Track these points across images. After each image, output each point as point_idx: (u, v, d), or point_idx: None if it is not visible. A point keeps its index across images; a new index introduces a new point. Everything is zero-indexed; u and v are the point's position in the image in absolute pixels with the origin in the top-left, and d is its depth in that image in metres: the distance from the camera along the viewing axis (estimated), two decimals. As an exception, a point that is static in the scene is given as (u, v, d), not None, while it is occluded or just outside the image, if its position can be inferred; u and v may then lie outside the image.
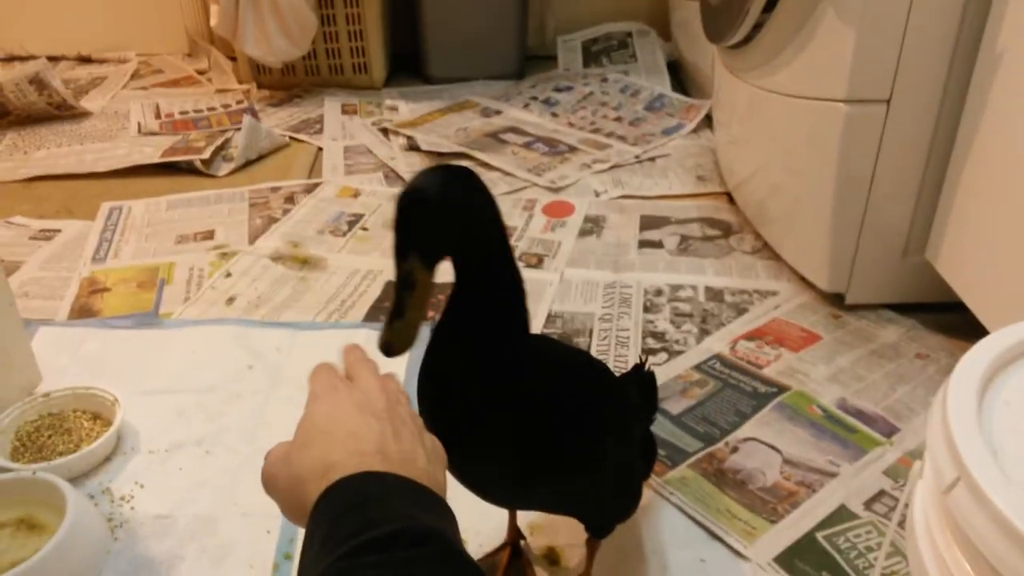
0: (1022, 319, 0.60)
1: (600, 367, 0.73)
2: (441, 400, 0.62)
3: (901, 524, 0.79)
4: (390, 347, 0.56)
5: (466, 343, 0.59)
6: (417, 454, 0.50)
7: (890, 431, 0.97)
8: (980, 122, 0.98)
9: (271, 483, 0.51)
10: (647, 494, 0.88)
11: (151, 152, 1.71)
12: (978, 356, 0.56)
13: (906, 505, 0.58)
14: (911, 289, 1.17)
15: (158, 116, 1.92)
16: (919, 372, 1.07)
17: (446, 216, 0.54)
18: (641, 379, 0.83)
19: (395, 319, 0.55)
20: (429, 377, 0.62)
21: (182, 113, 1.93)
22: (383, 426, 0.50)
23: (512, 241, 1.39)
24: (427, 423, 0.60)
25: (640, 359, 0.86)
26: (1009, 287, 0.94)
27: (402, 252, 0.54)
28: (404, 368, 1.09)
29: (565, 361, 0.70)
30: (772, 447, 0.95)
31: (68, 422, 0.98)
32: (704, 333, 1.16)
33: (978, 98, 0.98)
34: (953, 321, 1.13)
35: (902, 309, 1.19)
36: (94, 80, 2.17)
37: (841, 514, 0.86)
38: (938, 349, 1.11)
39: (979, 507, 0.46)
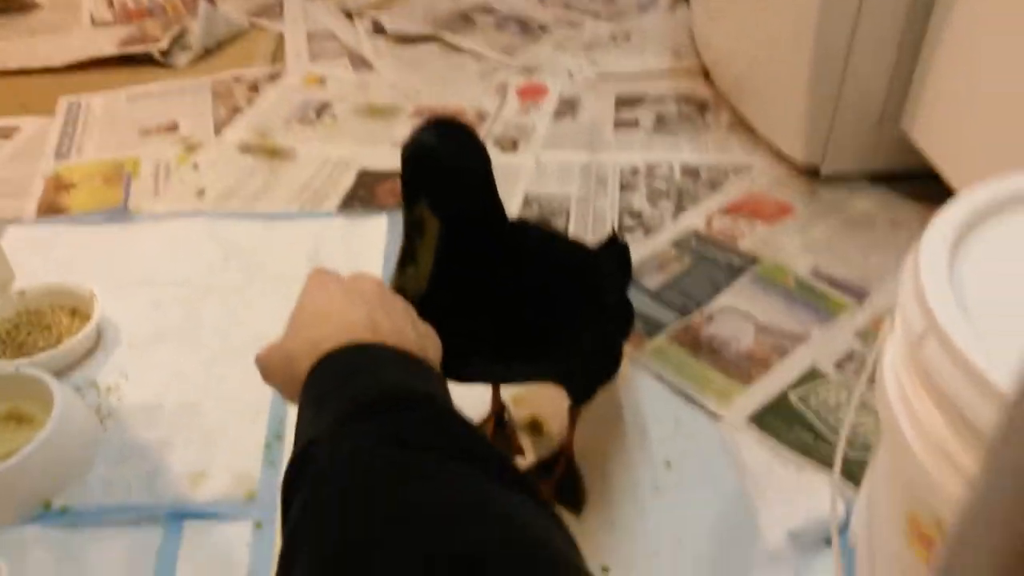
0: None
1: (574, 246, 0.74)
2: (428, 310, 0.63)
3: (871, 380, 0.82)
4: (403, 293, 0.56)
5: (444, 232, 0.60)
6: (406, 328, 0.51)
7: (862, 296, 1.00)
8: (959, -19, 0.96)
9: (267, 368, 0.52)
10: (626, 365, 0.90)
11: (106, 43, 1.63)
12: (950, 214, 0.57)
13: (875, 362, 0.60)
14: (886, 159, 1.18)
15: (111, 5, 1.83)
16: (892, 240, 1.09)
17: (449, 165, 0.56)
18: (615, 249, 0.83)
19: (407, 264, 0.57)
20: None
21: (136, 2, 1.84)
22: (372, 307, 0.51)
23: (487, 125, 1.37)
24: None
25: (612, 230, 0.86)
26: (982, 154, 0.94)
27: (411, 198, 0.56)
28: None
29: (539, 244, 0.70)
30: (746, 315, 0.97)
31: (47, 318, 0.98)
32: (680, 210, 1.16)
33: (958, -44, 0.96)
34: (927, 190, 1.14)
35: (876, 179, 1.19)
36: (38, -31, 2.05)
37: (812, 375, 0.89)
38: (912, 217, 1.12)
39: (948, 357, 0.47)
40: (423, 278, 0.57)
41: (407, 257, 0.57)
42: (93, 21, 1.77)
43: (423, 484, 0.35)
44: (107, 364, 0.94)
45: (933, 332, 0.49)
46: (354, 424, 0.40)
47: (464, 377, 0.67)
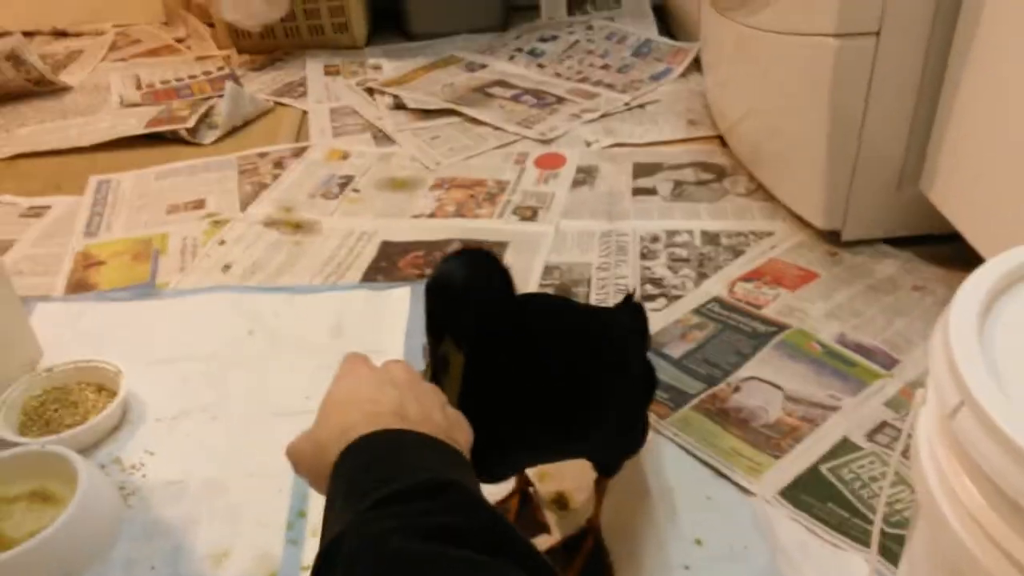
0: (1018, 246, 0.60)
1: (590, 312, 0.74)
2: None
3: (904, 453, 0.80)
4: None
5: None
6: (435, 414, 0.51)
7: (890, 363, 0.98)
8: (970, 50, 0.97)
9: (297, 458, 0.51)
10: (652, 437, 0.89)
11: (135, 123, 1.68)
12: (978, 281, 0.56)
13: (909, 435, 0.59)
14: (907, 222, 1.18)
15: (139, 87, 1.90)
16: (917, 304, 1.08)
17: (472, 303, 0.57)
18: (630, 309, 0.83)
19: None
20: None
21: (163, 83, 1.90)
22: (402, 392, 0.51)
23: (506, 195, 1.39)
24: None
25: (627, 292, 0.87)
26: (1003, 215, 0.94)
27: (435, 335, 0.57)
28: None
29: (555, 320, 0.70)
30: (773, 384, 0.96)
31: (73, 395, 0.98)
32: (702, 277, 1.16)
33: (967, 26, 0.97)
34: (949, 253, 1.14)
35: (898, 243, 1.19)
36: (71, 54, 2.13)
37: (844, 446, 0.87)
38: (935, 281, 1.12)
39: (983, 430, 0.46)
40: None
41: None
42: (122, 102, 1.82)
43: None
44: (132, 440, 0.94)
45: (967, 404, 0.48)
46: (380, 515, 0.40)
47: (499, 474, 0.66)
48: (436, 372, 0.57)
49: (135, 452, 0.92)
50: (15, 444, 0.89)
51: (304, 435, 0.51)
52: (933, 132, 1.08)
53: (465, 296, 0.57)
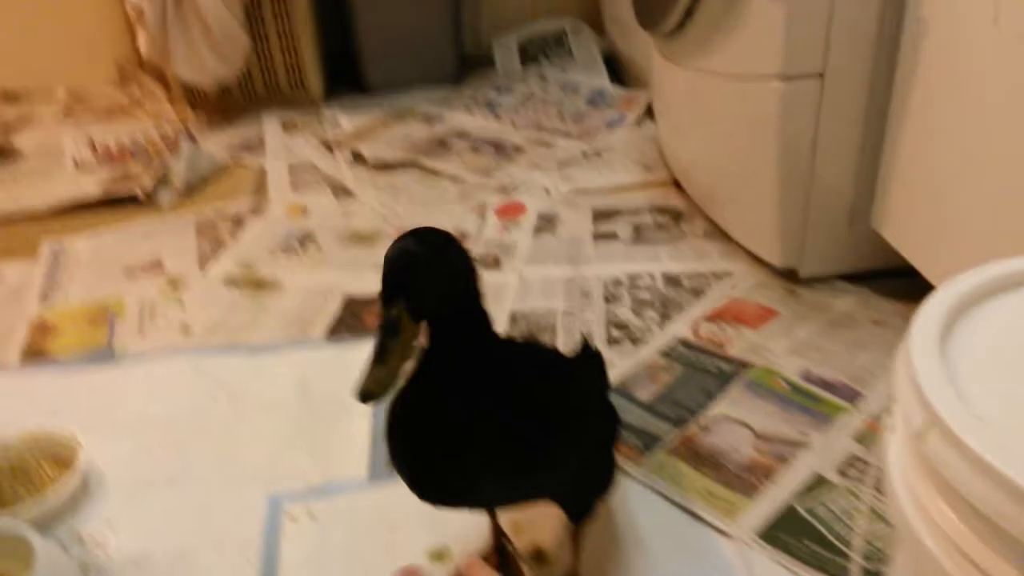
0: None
1: (548, 351, 0.74)
2: (415, 427, 0.63)
3: (877, 487, 0.81)
4: (368, 395, 0.56)
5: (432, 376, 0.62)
6: None
7: (854, 397, 0.99)
8: (912, 87, 1.01)
9: None
10: (624, 482, 0.89)
11: (89, 186, 1.66)
12: (935, 305, 0.57)
13: (880, 467, 0.59)
14: (861, 258, 1.20)
15: (94, 149, 1.88)
16: (877, 338, 1.10)
17: (430, 270, 0.57)
18: (588, 355, 0.84)
19: (376, 366, 0.56)
20: (402, 410, 0.63)
21: (118, 144, 1.89)
22: None
23: (468, 245, 1.39)
24: (403, 459, 0.61)
25: (583, 337, 0.87)
26: (955, 247, 0.97)
27: (389, 299, 0.57)
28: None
29: (515, 353, 0.71)
30: (743, 423, 0.97)
31: (29, 468, 0.95)
32: (666, 319, 1.17)
33: (908, 64, 1.01)
34: (905, 286, 1.16)
35: (855, 279, 1.21)
36: (22, 117, 2.11)
37: (817, 483, 0.88)
38: (893, 315, 1.14)
39: (954, 449, 0.47)
40: (391, 382, 0.57)
41: (378, 358, 0.57)
42: (76, 165, 1.80)
43: None
44: (93, 514, 0.91)
45: (934, 425, 0.48)
46: None
47: (462, 499, 0.66)
48: (384, 338, 0.57)
49: (97, 526, 0.89)
50: (-33, 524, 0.85)
51: None
52: (881, 168, 1.11)
53: (420, 265, 0.57)
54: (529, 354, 0.73)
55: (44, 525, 0.88)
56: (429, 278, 0.57)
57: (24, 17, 2.17)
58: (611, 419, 0.80)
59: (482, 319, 0.62)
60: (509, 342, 0.76)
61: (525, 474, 0.65)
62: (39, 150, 1.90)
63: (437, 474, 0.63)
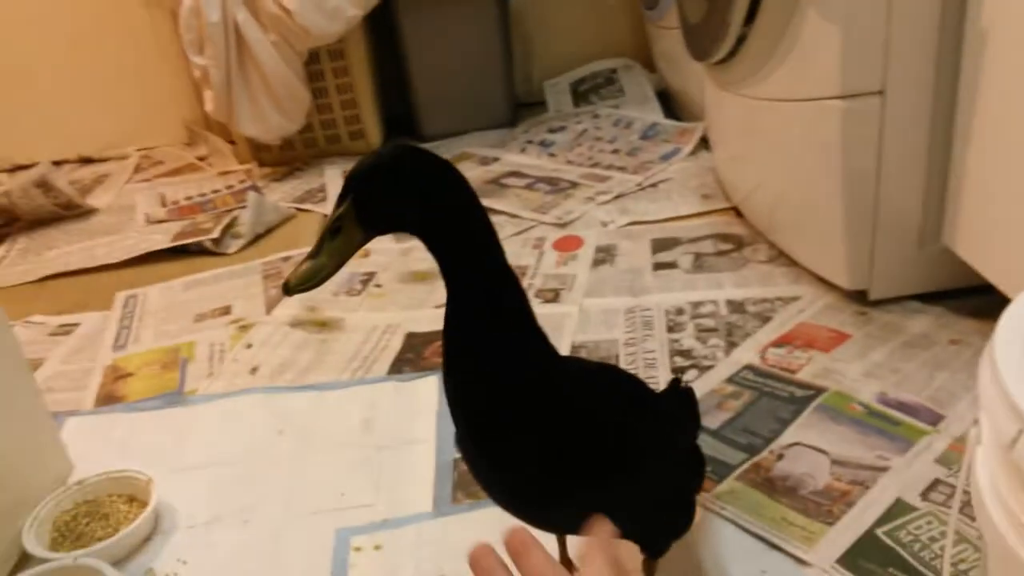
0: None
1: (632, 379, 0.73)
2: (475, 425, 0.62)
3: (963, 510, 0.77)
4: (288, 286, 0.57)
5: (484, 371, 0.60)
6: None
7: (935, 419, 0.95)
8: (976, 99, 0.98)
9: None
10: (699, 512, 0.86)
11: (160, 239, 1.72)
12: (1018, 313, 0.55)
13: (966, 490, 0.56)
14: (934, 277, 1.16)
15: (164, 205, 1.95)
16: (955, 357, 1.05)
17: (379, 175, 0.56)
18: (679, 394, 0.81)
19: (307, 259, 0.57)
20: (459, 405, 0.63)
21: (187, 199, 1.96)
22: None
23: (527, 279, 1.39)
24: (467, 448, 0.61)
25: (674, 375, 0.85)
26: (1033, 258, 0.93)
27: (339, 201, 0.57)
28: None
29: (595, 375, 0.70)
30: (818, 449, 0.93)
31: (104, 507, 0.97)
32: (732, 345, 1.15)
33: (971, 75, 0.99)
34: (981, 304, 1.12)
35: (928, 298, 1.17)
36: (98, 178, 2.21)
37: (899, 508, 0.83)
38: (971, 333, 1.09)
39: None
40: (316, 278, 0.57)
41: (312, 252, 0.57)
42: (148, 220, 1.88)
43: None
44: (165, 550, 0.92)
45: (1027, 433, 0.46)
46: None
47: (519, 507, 0.64)
48: (325, 234, 0.57)
49: (168, 562, 0.90)
50: (46, 560, 0.87)
51: None
52: (950, 184, 1.08)
53: (376, 171, 0.56)
54: (616, 383, 0.72)
55: (120, 562, 0.90)
56: (380, 183, 0.56)
57: (97, 86, 2.29)
58: (698, 464, 0.78)
59: (497, 268, 0.62)
60: (581, 361, 0.75)
61: (574, 497, 0.63)
62: (112, 207, 1.99)
63: (517, 482, 0.62)
